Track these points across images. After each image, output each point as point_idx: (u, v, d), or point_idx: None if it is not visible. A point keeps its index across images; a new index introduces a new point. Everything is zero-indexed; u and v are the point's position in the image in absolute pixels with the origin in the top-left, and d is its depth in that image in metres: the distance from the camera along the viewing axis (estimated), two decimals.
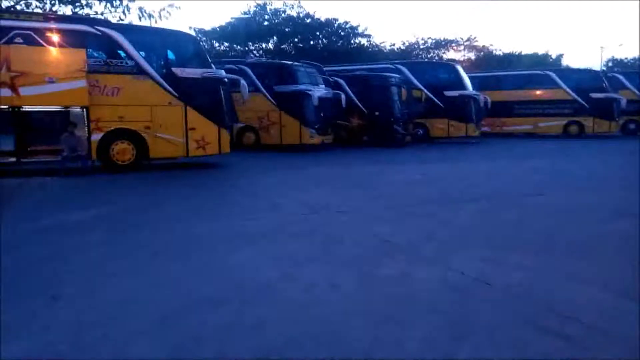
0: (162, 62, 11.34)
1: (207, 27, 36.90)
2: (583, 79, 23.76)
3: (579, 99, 22.90)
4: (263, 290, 3.51)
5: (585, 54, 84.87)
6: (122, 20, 14.50)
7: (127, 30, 11.36)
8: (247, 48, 35.65)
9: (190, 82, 11.18)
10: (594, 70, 27.24)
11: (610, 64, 46.35)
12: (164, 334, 2.82)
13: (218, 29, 36.78)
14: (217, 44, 36.91)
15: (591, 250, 4.56)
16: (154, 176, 10.42)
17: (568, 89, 23.15)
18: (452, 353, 2.58)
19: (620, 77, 25.96)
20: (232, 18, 37.10)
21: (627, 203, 6.85)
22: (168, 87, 10.95)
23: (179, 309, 3.16)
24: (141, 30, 12.31)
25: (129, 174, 10.27)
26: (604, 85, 23.01)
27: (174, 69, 11.12)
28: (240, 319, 3.01)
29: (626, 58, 47.65)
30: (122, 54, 10.75)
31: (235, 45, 36.42)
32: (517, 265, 4.03)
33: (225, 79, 12.05)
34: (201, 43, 13.36)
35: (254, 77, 16.17)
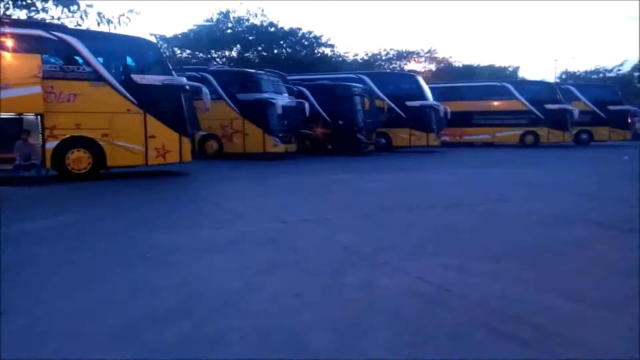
0: (121, 69, 11.09)
1: (169, 34, 36.41)
2: (538, 91, 24.69)
3: (535, 110, 23.74)
4: (225, 300, 3.44)
5: (540, 66, 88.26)
6: (80, 25, 14.15)
7: (85, 35, 11.07)
8: (209, 56, 35.34)
9: (150, 89, 10.96)
10: (549, 82, 28.39)
11: (563, 76, 48.30)
12: (120, 347, 2.72)
13: (180, 35, 36.34)
14: (178, 51, 36.44)
15: (546, 256, 4.69)
16: (112, 185, 10.14)
17: (524, 100, 23.98)
18: (414, 359, 2.59)
19: (573, 89, 27.09)
20: (194, 25, 36.74)
21: (580, 210, 7.13)
22: (127, 94, 10.70)
23: (136, 322, 3.06)
24: (99, 36, 12.01)
25: (85, 184, 9.95)
26: (558, 96, 23.97)
27: (133, 76, 10.89)
28: (201, 330, 2.94)
29: (578, 71, 49.86)
30: (79, 60, 10.45)
31: (197, 53, 36.06)
32: (476, 271, 4.11)
33: (187, 87, 11.89)
34: (162, 50, 13.12)
35: (216, 85, 16.04)
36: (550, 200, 8.26)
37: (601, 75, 47.62)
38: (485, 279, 3.93)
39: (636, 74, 47.95)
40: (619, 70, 47.64)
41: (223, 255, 4.67)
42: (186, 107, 11.66)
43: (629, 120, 26.67)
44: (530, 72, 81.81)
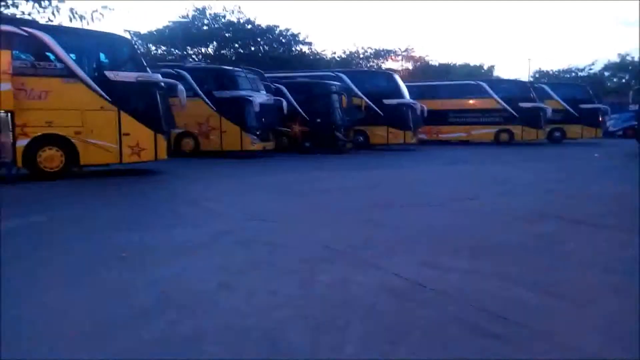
0: (94, 65, 10.88)
1: (144, 30, 35.86)
2: (512, 89, 25.13)
3: (509, 108, 24.15)
4: (200, 300, 3.42)
5: (514, 65, 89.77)
6: (52, 21, 13.81)
7: (57, 31, 10.81)
8: (185, 52, 34.93)
9: (124, 86, 10.77)
10: (523, 81, 28.90)
11: (537, 75, 49.21)
12: (94, 348, 2.68)
13: (155, 32, 35.84)
14: (154, 48, 35.94)
15: (519, 251, 4.79)
16: (85, 184, 9.95)
17: (499, 99, 24.37)
18: (388, 355, 2.62)
19: (546, 87, 27.64)
20: (170, 22, 36.26)
21: (553, 206, 7.29)
22: (100, 91, 10.49)
23: (111, 322, 3.01)
24: (72, 32, 11.74)
25: (57, 183, 9.73)
26: (532, 95, 24.42)
27: (106, 73, 10.68)
28: (176, 330, 2.91)
29: (552, 70, 50.86)
30: (51, 57, 10.21)
31: (173, 50, 35.60)
32: (451, 267, 4.16)
33: (162, 83, 11.72)
34: (136, 46, 12.90)
35: (192, 82, 15.87)
36: (524, 196, 8.42)
37: (573, 74, 48.69)
38: (460, 274, 3.98)
39: (606, 73, 49.25)
40: (590, 69, 48.85)
41: (199, 254, 4.62)
42: (161, 104, 11.49)
43: (600, 119, 27.34)
44: (504, 71, 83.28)
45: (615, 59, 48.95)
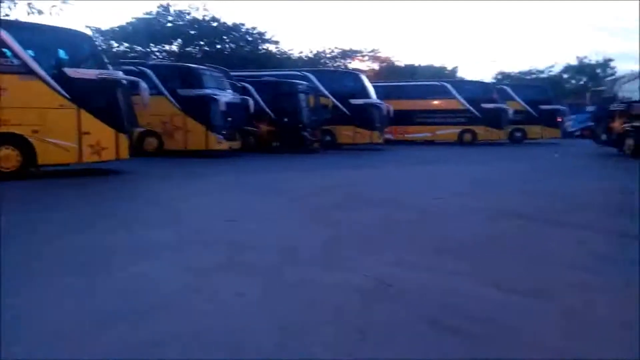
0: (53, 62, 10.46)
1: (105, 27, 34.90)
2: (475, 90, 25.69)
3: (472, 109, 24.67)
4: (163, 302, 3.33)
5: (477, 67, 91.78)
6: (8, 16, 13.29)
7: (13, 26, 10.38)
8: (148, 50, 34.21)
9: (84, 84, 10.42)
10: (485, 83, 29.55)
11: (499, 77, 50.39)
12: (53, 353, 2.57)
13: (117, 28, 34.92)
14: (116, 45, 35.02)
15: (482, 248, 4.88)
16: (44, 185, 9.60)
17: (462, 100, 24.87)
18: (355, 354, 2.61)
19: (508, 89, 28.41)
20: (132, 18, 35.42)
21: (514, 204, 7.47)
22: (59, 89, 10.13)
23: (71, 327, 2.90)
24: (29, 27, 11.29)
25: (14, 183, 9.34)
26: (494, 96, 25.02)
27: (66, 70, 10.31)
28: (138, 334, 2.83)
29: (513, 71, 52.18)
30: (7, 53, 9.79)
31: (136, 47, 34.80)
32: (416, 265, 4.20)
33: (124, 81, 11.43)
34: (97, 42, 12.55)
35: (156, 79, 15.54)
36: (487, 195, 8.59)
37: (534, 76, 50.06)
38: (425, 272, 4.02)
39: (565, 75, 50.91)
40: (550, 71, 50.35)
41: (162, 256, 4.51)
42: (123, 103, 11.19)
43: (559, 119, 28.26)
44: (468, 72, 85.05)
45: (573, 61, 50.70)
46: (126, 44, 35.46)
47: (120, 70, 11.82)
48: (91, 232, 5.46)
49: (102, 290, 3.58)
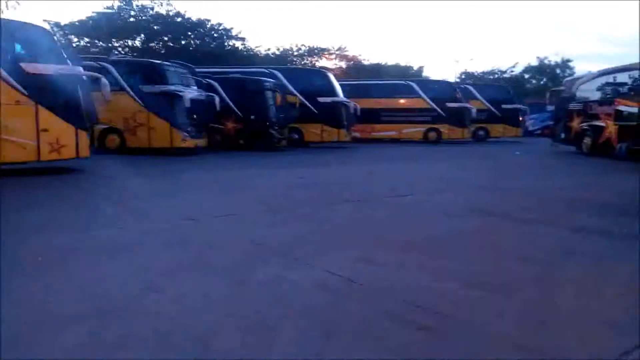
0: (9, 57, 10.01)
1: (65, 21, 33.73)
2: (440, 90, 26.08)
3: (437, 108, 25.04)
4: (124, 304, 3.22)
5: (442, 66, 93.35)
6: None
7: None
8: (110, 45, 33.30)
9: (42, 79, 10.04)
10: (449, 82, 30.03)
11: (463, 76, 51.37)
12: (10, 357, 2.46)
13: (77, 23, 33.81)
14: (75, 39, 33.89)
15: (448, 245, 4.94)
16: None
17: (427, 99, 25.21)
18: (321, 352, 2.59)
19: (471, 88, 28.97)
20: (93, 12, 34.38)
21: (478, 201, 7.60)
22: (15, 84, 9.72)
23: (27, 329, 2.78)
24: None
25: None
26: (458, 95, 25.46)
27: (22, 65, 9.90)
28: (98, 336, 2.74)
29: (476, 71, 53.28)
30: None
31: (97, 42, 33.82)
32: (383, 262, 4.23)
33: (84, 77, 11.08)
34: (56, 37, 12.09)
35: (118, 75, 15.12)
36: (453, 193, 8.72)
37: (496, 76, 51.27)
38: (392, 269, 4.05)
39: (526, 75, 52.34)
40: (512, 71, 51.68)
41: (124, 256, 4.38)
42: (83, 99, 10.83)
43: (520, 119, 29.02)
44: (433, 72, 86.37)
45: (534, 62, 52.17)
46: (87, 39, 34.42)
47: (80, 66, 11.42)
48: (47, 232, 5.25)
49: (60, 291, 3.44)
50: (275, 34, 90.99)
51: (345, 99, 21.25)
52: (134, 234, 5.17)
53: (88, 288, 3.52)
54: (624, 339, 2.79)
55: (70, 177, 10.29)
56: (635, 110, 14.87)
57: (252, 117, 17.91)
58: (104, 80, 11.78)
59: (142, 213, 6.38)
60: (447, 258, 4.43)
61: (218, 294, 3.43)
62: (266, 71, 21.22)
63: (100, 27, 32.29)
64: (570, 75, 36.47)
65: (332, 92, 20.97)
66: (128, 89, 15.22)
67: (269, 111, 18.12)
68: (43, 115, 10.01)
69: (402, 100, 25.69)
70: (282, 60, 40.46)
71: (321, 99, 20.58)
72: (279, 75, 20.80)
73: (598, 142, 16.59)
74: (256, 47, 42.38)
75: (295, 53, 44.38)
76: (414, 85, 26.17)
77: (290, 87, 20.46)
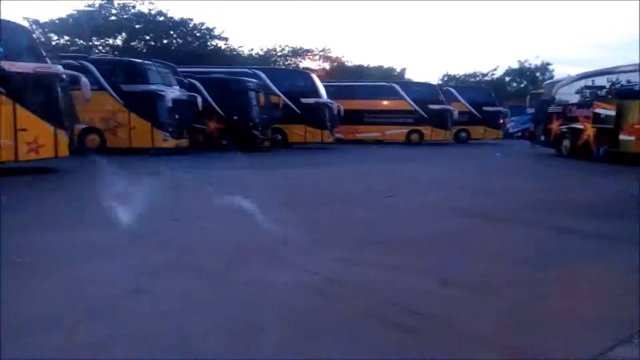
0: None
1: (44, 18, 33.15)
2: (422, 92, 26.25)
3: (419, 110, 25.20)
4: (107, 306, 3.18)
5: (424, 68, 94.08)
6: None
7: None
8: (91, 43, 32.81)
9: (21, 78, 9.84)
10: (432, 84, 30.23)
11: (445, 79, 51.82)
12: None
13: (57, 20, 33.25)
14: (55, 38, 33.37)
15: (430, 245, 4.98)
16: None
17: (410, 100, 25.35)
18: (304, 353, 2.59)
19: (453, 90, 29.22)
20: (74, 10, 33.84)
21: (460, 202, 7.67)
22: None
23: (7, 332, 2.72)
24: None
25: None
26: (440, 97, 25.67)
27: (0, 63, 9.70)
28: (81, 338, 2.70)
29: (458, 74, 53.81)
30: None
31: (77, 40, 33.30)
32: (365, 262, 4.25)
33: (63, 75, 10.89)
34: (35, 35, 11.90)
35: (98, 74, 14.88)
36: (435, 193, 8.79)
37: (478, 78, 51.83)
38: (374, 269, 4.06)
39: (507, 78, 53.02)
40: (493, 74, 52.30)
41: (106, 257, 4.32)
42: (62, 98, 10.67)
43: (501, 121, 29.40)
44: (415, 74, 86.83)
45: (515, 65, 52.88)
46: (67, 37, 33.87)
47: (59, 64, 11.23)
48: (26, 232, 5.15)
49: (42, 292, 3.38)
50: (259, 35, 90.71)
51: (328, 100, 21.25)
52: (116, 235, 5.09)
53: (68, 289, 3.46)
54: (602, 338, 2.83)
55: (48, 177, 10.11)
56: (612, 113, 15.18)
57: (235, 117, 17.80)
58: (84, 79, 11.59)
59: (123, 213, 6.29)
60: (429, 258, 4.47)
61: (201, 295, 3.40)
62: (249, 71, 21.10)
63: (81, 25, 31.82)
64: (550, 78, 37.02)
65: (315, 93, 20.95)
66: (109, 88, 15.01)
67: (252, 112, 18.03)
68: (21, 114, 9.81)
69: (385, 102, 25.79)
70: (265, 61, 40.34)
71: (305, 100, 20.55)
72: (262, 75, 20.70)
73: (577, 145, 16.89)
74: (239, 47, 42.19)
75: (279, 53, 44.26)
76: (397, 87, 26.29)
77: (274, 88, 20.38)
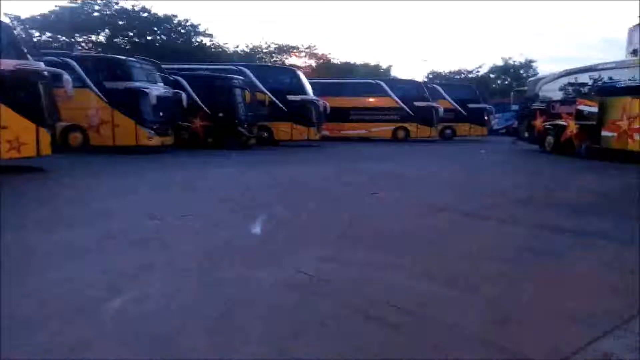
0: None
1: (26, 14, 32.57)
2: (408, 89, 26.34)
3: (405, 107, 25.30)
4: (87, 307, 3.14)
5: (410, 66, 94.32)
6: None
7: None
8: (73, 40, 32.32)
9: (2, 75, 9.67)
10: (418, 82, 30.32)
11: (430, 76, 52.02)
12: None
13: (39, 17, 32.70)
14: (37, 34, 32.79)
15: (414, 243, 5.00)
16: None
17: (396, 98, 25.43)
18: (287, 351, 2.59)
19: (439, 88, 29.34)
20: (56, 6, 33.29)
21: (444, 199, 7.72)
22: None
23: None
24: None
25: None
26: (426, 95, 25.78)
27: None
28: (60, 340, 2.66)
29: (443, 71, 54.06)
30: None
31: (59, 37, 32.79)
32: (350, 260, 4.25)
33: (45, 72, 10.73)
34: (16, 31, 11.68)
35: (81, 71, 14.69)
36: (420, 191, 8.84)
37: (463, 75, 52.14)
38: (359, 267, 4.07)
39: (492, 75, 53.41)
40: (478, 72, 52.64)
41: (86, 257, 4.26)
42: (44, 95, 10.52)
43: (486, 118, 29.64)
44: (401, 71, 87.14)
45: (499, 62, 53.28)
46: (49, 34, 33.30)
47: (41, 61, 11.07)
48: (13, 232, 5.04)
49: (21, 293, 3.32)
50: (244, 31, 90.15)
51: (315, 98, 21.22)
52: (96, 235, 5.03)
53: (47, 291, 3.41)
54: (583, 332, 2.88)
55: (30, 176, 9.95)
56: (595, 110, 15.40)
57: (221, 114, 17.68)
58: (66, 76, 11.44)
59: (105, 213, 6.22)
60: (413, 256, 4.49)
61: (183, 295, 3.38)
62: (235, 68, 20.96)
63: (63, 21, 31.33)
64: (533, 75, 37.36)
65: (302, 90, 20.90)
66: (91, 85, 14.81)
67: (237, 109, 17.93)
68: (2, 112, 9.63)
69: (371, 99, 25.83)
70: (251, 58, 40.09)
71: (291, 97, 20.48)
72: (248, 72, 20.58)
73: (560, 141, 17.11)
74: (224, 43, 41.94)
75: (265, 50, 44.04)
76: (383, 84, 26.35)
77: (260, 85, 20.28)
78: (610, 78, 15.38)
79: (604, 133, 15.19)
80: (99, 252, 4.43)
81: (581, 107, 16.03)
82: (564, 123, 17.00)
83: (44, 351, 2.53)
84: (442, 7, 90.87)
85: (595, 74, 16.00)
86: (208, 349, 2.61)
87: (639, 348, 2.66)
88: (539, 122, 18.52)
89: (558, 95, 17.73)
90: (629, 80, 14.52)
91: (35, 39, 31.41)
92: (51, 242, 4.71)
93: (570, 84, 17.28)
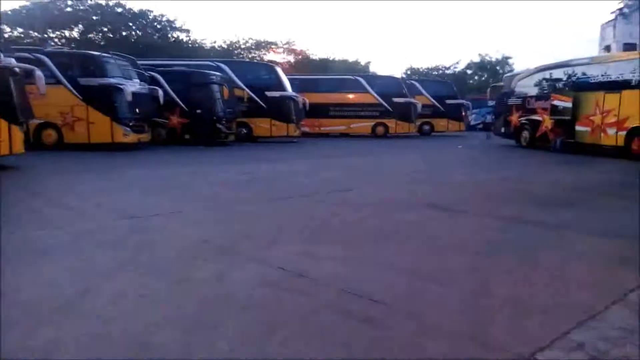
0: None
1: None
2: (387, 85, 26.43)
3: (384, 103, 25.39)
4: (59, 307, 3.07)
5: (388, 62, 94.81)
6: None
7: None
8: (46, 35, 31.61)
9: None
10: (396, 78, 30.47)
11: (409, 72, 52.31)
12: None
13: (10, 12, 31.89)
14: (8, 30, 31.99)
15: (390, 238, 5.03)
16: None
17: (375, 94, 25.50)
18: (264, 347, 2.57)
19: (417, 84, 29.55)
20: (27, 1, 32.52)
21: (420, 195, 7.78)
22: None
23: None
24: None
25: None
26: (404, 91, 25.92)
27: None
28: (30, 340, 2.60)
29: (421, 67, 54.44)
30: None
31: (31, 32, 32.02)
32: (327, 256, 4.25)
33: (17, 69, 10.45)
34: None
35: (54, 67, 14.36)
36: (396, 187, 8.88)
37: (440, 72, 52.58)
38: (335, 262, 4.08)
39: (469, 71, 54.00)
40: (455, 68, 53.18)
41: (59, 258, 4.17)
42: (16, 92, 10.25)
43: (463, 113, 29.97)
44: (380, 67, 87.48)
45: (476, 58, 53.88)
46: (20, 29, 32.53)
47: (12, 58, 10.80)
48: None
49: None
50: (222, 27, 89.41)
51: (294, 94, 21.14)
52: (70, 235, 4.94)
53: (18, 291, 3.33)
54: (557, 323, 2.92)
55: (3, 175, 9.70)
56: (569, 105, 15.69)
57: (198, 111, 17.48)
58: (38, 72, 11.18)
59: (78, 212, 6.10)
60: (390, 250, 4.52)
61: (158, 295, 3.34)
62: (212, 64, 20.72)
63: (35, 17, 30.64)
64: (510, 71, 37.90)
65: (280, 86, 20.80)
66: (65, 81, 14.49)
67: (215, 105, 17.75)
68: None
69: (350, 95, 25.86)
70: (228, 54, 39.73)
71: (269, 93, 20.37)
72: (226, 68, 20.39)
73: (536, 136, 17.40)
74: (201, 39, 41.50)
75: (242, 46, 43.69)
76: (362, 80, 26.40)
77: (238, 81, 20.11)
78: (584, 73, 15.68)
79: (578, 128, 15.50)
80: (75, 250, 4.34)
81: (556, 103, 16.32)
82: (539, 118, 17.29)
83: (14, 352, 2.47)
84: (420, 4, 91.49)
85: (570, 70, 16.30)
86: (183, 348, 2.58)
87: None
88: (514, 118, 18.79)
89: (533, 91, 18.02)
90: (602, 75, 14.83)
91: (6, 35, 30.73)
92: (22, 242, 4.59)
93: (545, 80, 17.58)
